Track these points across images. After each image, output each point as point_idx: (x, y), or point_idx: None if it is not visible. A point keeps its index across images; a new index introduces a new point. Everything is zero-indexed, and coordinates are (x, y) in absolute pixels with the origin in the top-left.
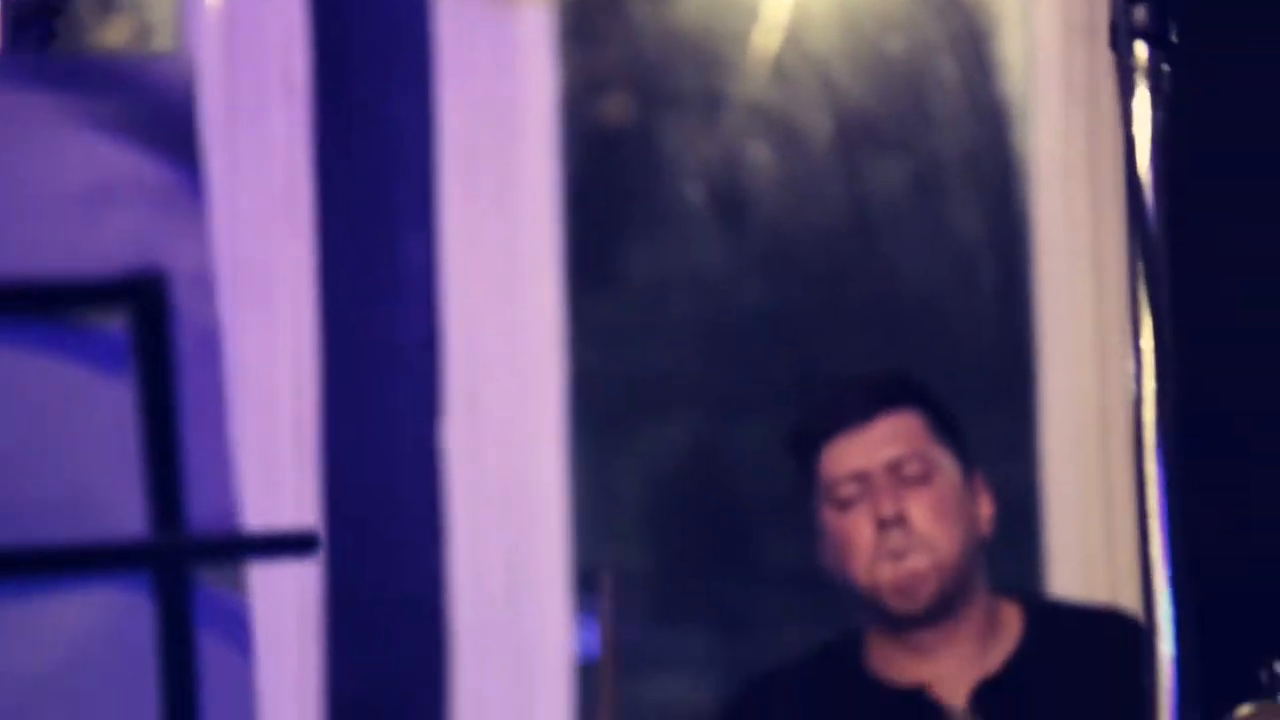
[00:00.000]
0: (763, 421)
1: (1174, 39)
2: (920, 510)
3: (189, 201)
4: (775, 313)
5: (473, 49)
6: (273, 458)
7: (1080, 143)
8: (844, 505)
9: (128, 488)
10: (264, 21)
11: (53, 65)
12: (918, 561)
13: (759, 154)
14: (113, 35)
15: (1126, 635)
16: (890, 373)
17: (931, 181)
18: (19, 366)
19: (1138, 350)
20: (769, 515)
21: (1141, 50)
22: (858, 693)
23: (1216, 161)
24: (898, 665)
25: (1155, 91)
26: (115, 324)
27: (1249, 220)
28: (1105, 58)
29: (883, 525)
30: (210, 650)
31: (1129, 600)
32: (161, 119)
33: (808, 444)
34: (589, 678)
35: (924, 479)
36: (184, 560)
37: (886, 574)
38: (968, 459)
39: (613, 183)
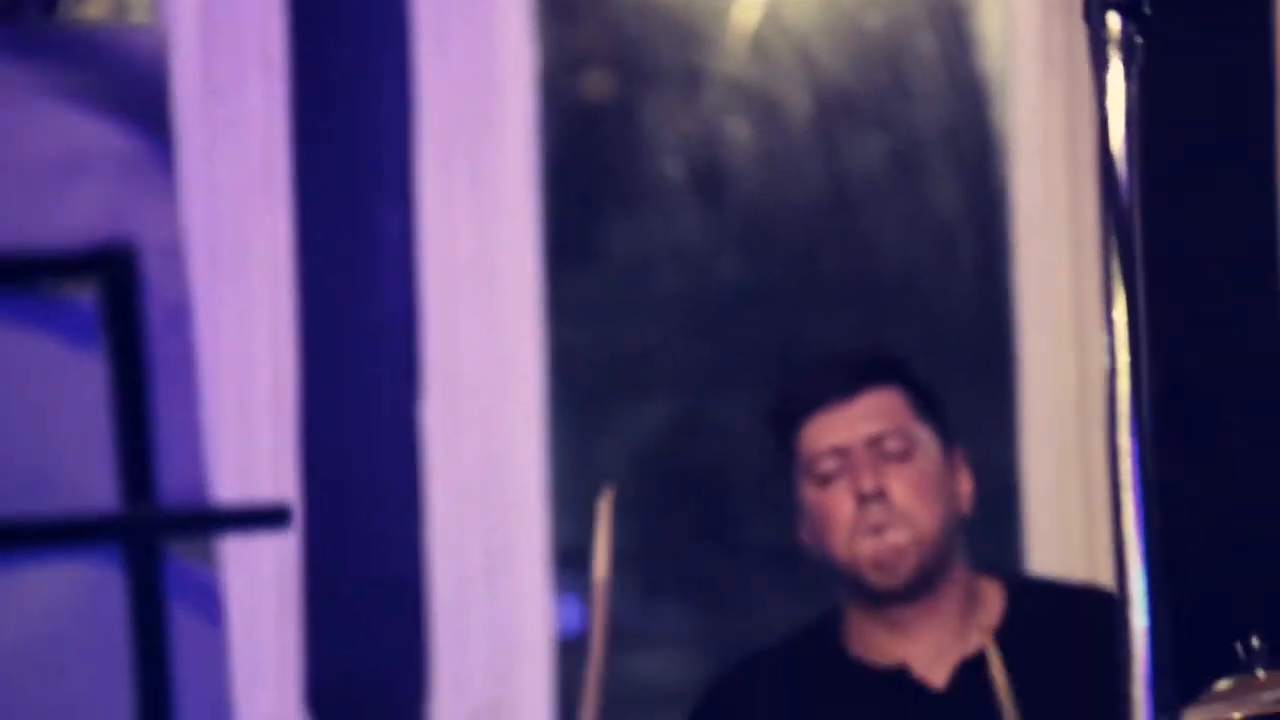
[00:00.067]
0: (743, 398)
1: (1147, 11)
2: (900, 486)
3: (159, 173)
4: (754, 289)
5: (451, 24)
6: (250, 433)
7: (1059, 117)
8: (824, 481)
9: (98, 461)
10: None
11: (23, 36)
12: (897, 536)
13: (738, 130)
14: (92, 9)
15: (1107, 612)
16: (872, 349)
17: (910, 157)
18: None
19: (1110, 323)
20: (750, 492)
21: (1114, 22)
22: (838, 674)
23: (1190, 132)
24: (877, 644)
25: (1129, 63)
26: (85, 296)
27: (1222, 191)
28: (1083, 32)
29: (863, 500)
30: (181, 622)
31: (1108, 577)
32: (132, 91)
33: (788, 420)
34: (569, 656)
35: (904, 455)
36: (155, 533)
37: (866, 549)
38: (948, 437)
39: (592, 159)
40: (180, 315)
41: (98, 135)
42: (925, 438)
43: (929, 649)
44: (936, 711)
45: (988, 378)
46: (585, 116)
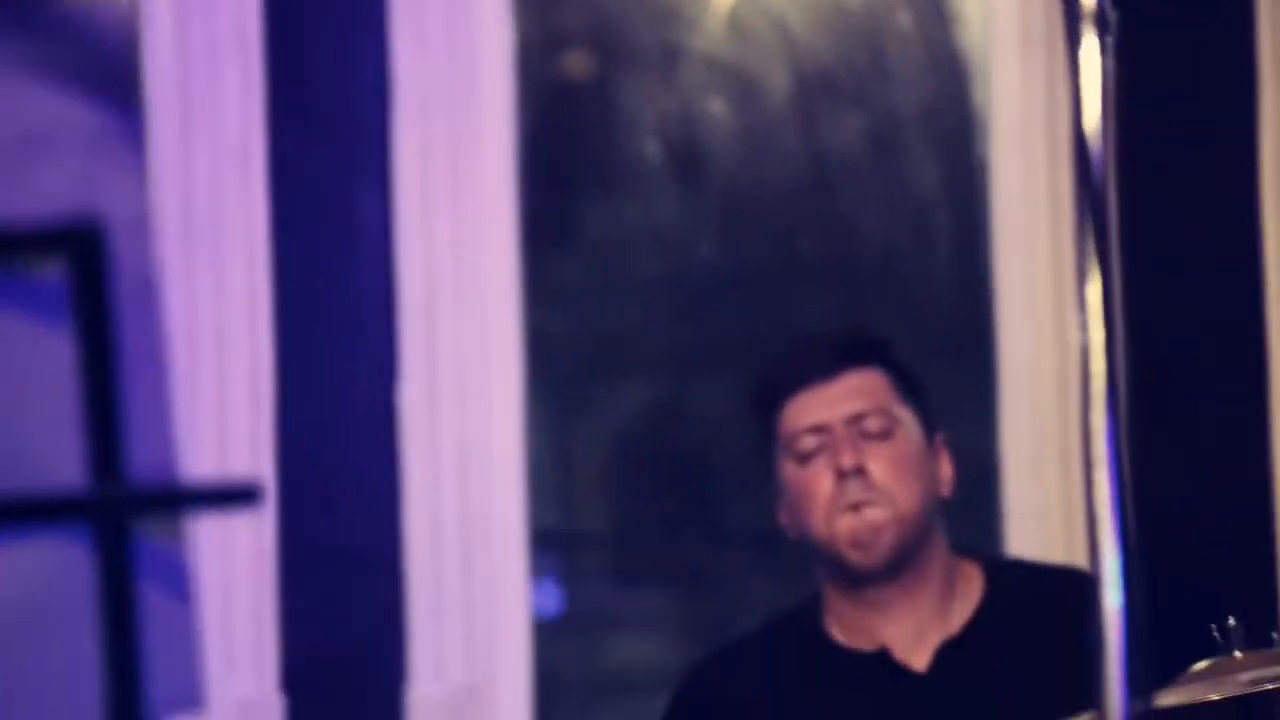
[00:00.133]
0: (723, 380)
1: None
2: (880, 464)
3: (128, 149)
4: (734, 270)
5: (429, 3)
6: (227, 415)
7: (1038, 96)
8: (804, 459)
9: (66, 439)
10: None
11: None
12: (876, 514)
13: (717, 109)
14: None
15: (1086, 593)
16: (856, 330)
17: (890, 136)
18: None
19: (1084, 300)
20: (731, 475)
21: None
22: (819, 659)
23: (1169, 108)
24: (857, 627)
25: (1103, 38)
26: (53, 273)
27: (1202, 169)
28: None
29: (842, 476)
30: (151, 602)
31: (1085, 558)
32: (101, 65)
33: (770, 400)
34: (547, 638)
35: (885, 434)
36: (124, 512)
37: (844, 526)
38: (930, 422)
39: (570, 139)
40: (149, 292)
41: (66, 110)
42: (906, 418)
43: (909, 631)
44: (918, 694)
45: (968, 358)
46: (563, 96)
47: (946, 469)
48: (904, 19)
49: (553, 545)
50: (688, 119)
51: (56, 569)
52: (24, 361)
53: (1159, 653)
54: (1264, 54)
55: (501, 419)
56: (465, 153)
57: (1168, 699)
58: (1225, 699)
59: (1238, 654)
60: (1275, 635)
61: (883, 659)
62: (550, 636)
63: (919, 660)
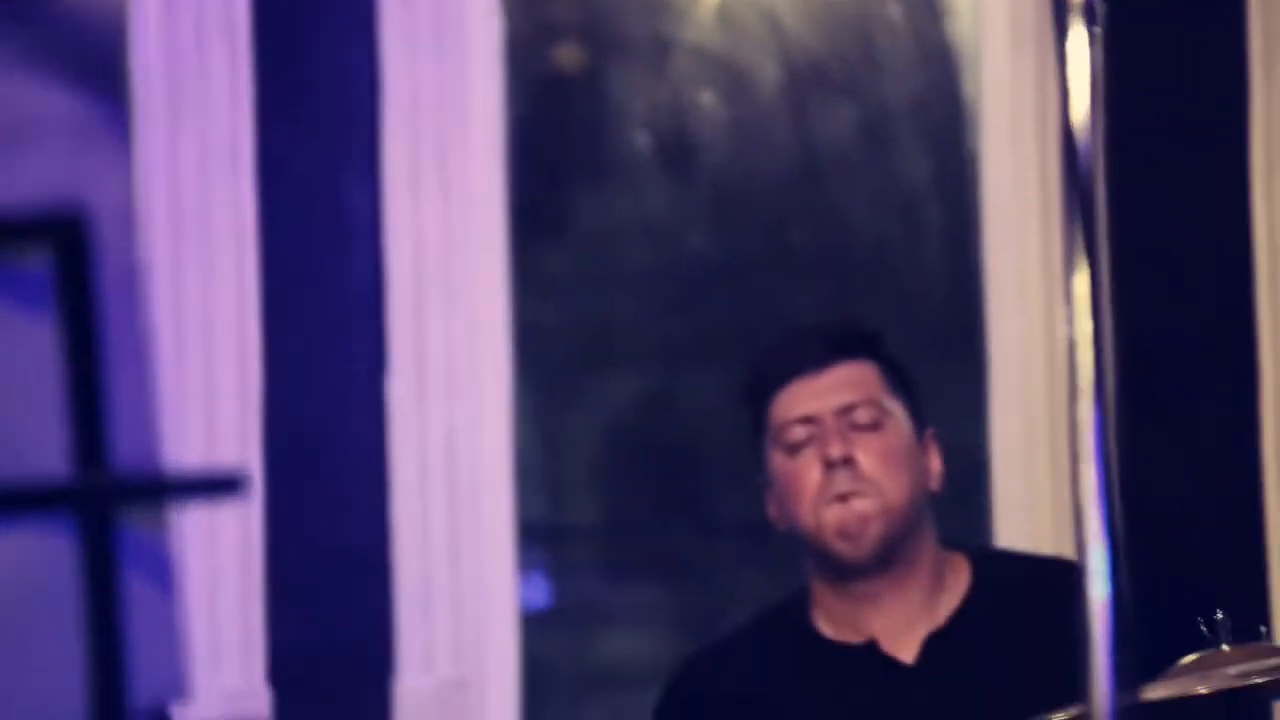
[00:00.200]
0: (713, 372)
1: None
2: (869, 455)
3: (113, 138)
4: (724, 262)
5: None
6: (215, 405)
7: (1029, 88)
8: (793, 449)
9: (50, 428)
10: None
11: None
12: (863, 505)
13: (707, 101)
14: None
15: (1073, 583)
16: (847, 322)
17: (880, 128)
18: None
19: (1071, 293)
20: (721, 467)
21: None
22: (807, 653)
23: (1160, 100)
24: (845, 620)
25: (1092, 29)
26: (37, 262)
27: (1193, 161)
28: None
29: (830, 467)
30: (135, 591)
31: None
32: (86, 54)
33: (760, 392)
34: (535, 631)
35: (875, 426)
36: (108, 501)
37: (831, 516)
38: (921, 415)
39: (560, 130)
40: (133, 281)
41: (50, 99)
42: (897, 411)
43: (897, 624)
44: (907, 686)
45: (957, 351)
46: (553, 88)
47: (936, 463)
48: (894, 11)
49: (542, 537)
50: (678, 111)
51: (40, 558)
52: (8, 350)
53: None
54: (1254, 45)
55: (491, 411)
56: (455, 144)
57: (1155, 693)
58: (1213, 693)
59: (1225, 647)
60: (1263, 629)
61: (871, 651)
62: (539, 629)
63: (907, 653)
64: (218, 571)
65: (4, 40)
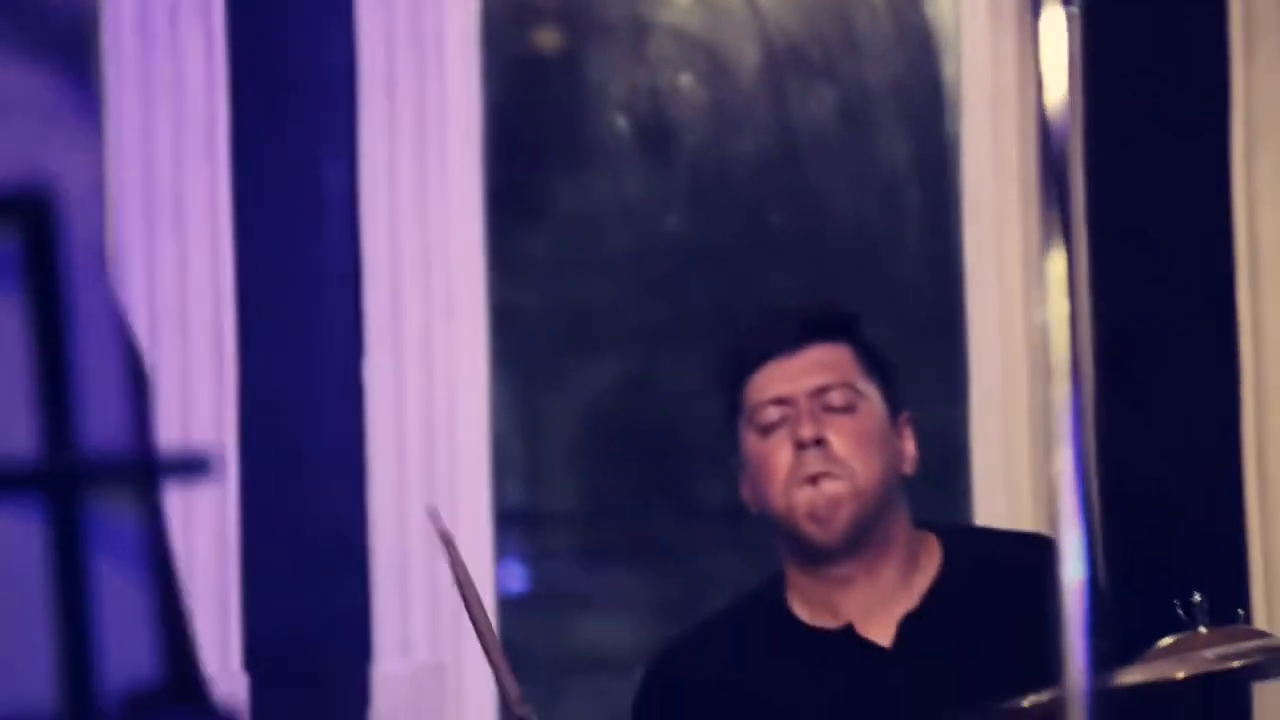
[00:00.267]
0: (693, 355)
1: None
2: (841, 437)
3: (82, 117)
4: (703, 245)
5: None
6: (189, 387)
7: (1009, 70)
8: (766, 430)
9: (17, 409)
10: None
11: None
12: (834, 487)
13: (686, 83)
14: None
15: (1045, 558)
16: (825, 305)
17: (859, 110)
18: None
19: (1046, 274)
20: (701, 451)
21: None
22: (785, 638)
23: (1141, 82)
24: (820, 604)
25: (1068, 8)
26: (3, 241)
27: (1174, 144)
28: None
29: (801, 447)
30: (104, 575)
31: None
32: (55, 33)
33: (735, 374)
34: (512, 617)
35: (848, 409)
36: (76, 483)
37: (802, 498)
38: (896, 399)
39: (538, 112)
40: (101, 262)
41: (18, 77)
42: (871, 394)
43: (871, 607)
44: (884, 669)
45: (938, 333)
46: (531, 69)
47: (910, 446)
48: None
49: (520, 522)
50: (656, 93)
51: (8, 541)
52: None
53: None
54: (1234, 25)
55: (468, 395)
56: (431, 124)
57: (1132, 676)
58: (1190, 676)
59: (1203, 630)
60: (1240, 612)
61: (848, 635)
62: (517, 614)
63: (883, 635)
64: (193, 556)
65: None
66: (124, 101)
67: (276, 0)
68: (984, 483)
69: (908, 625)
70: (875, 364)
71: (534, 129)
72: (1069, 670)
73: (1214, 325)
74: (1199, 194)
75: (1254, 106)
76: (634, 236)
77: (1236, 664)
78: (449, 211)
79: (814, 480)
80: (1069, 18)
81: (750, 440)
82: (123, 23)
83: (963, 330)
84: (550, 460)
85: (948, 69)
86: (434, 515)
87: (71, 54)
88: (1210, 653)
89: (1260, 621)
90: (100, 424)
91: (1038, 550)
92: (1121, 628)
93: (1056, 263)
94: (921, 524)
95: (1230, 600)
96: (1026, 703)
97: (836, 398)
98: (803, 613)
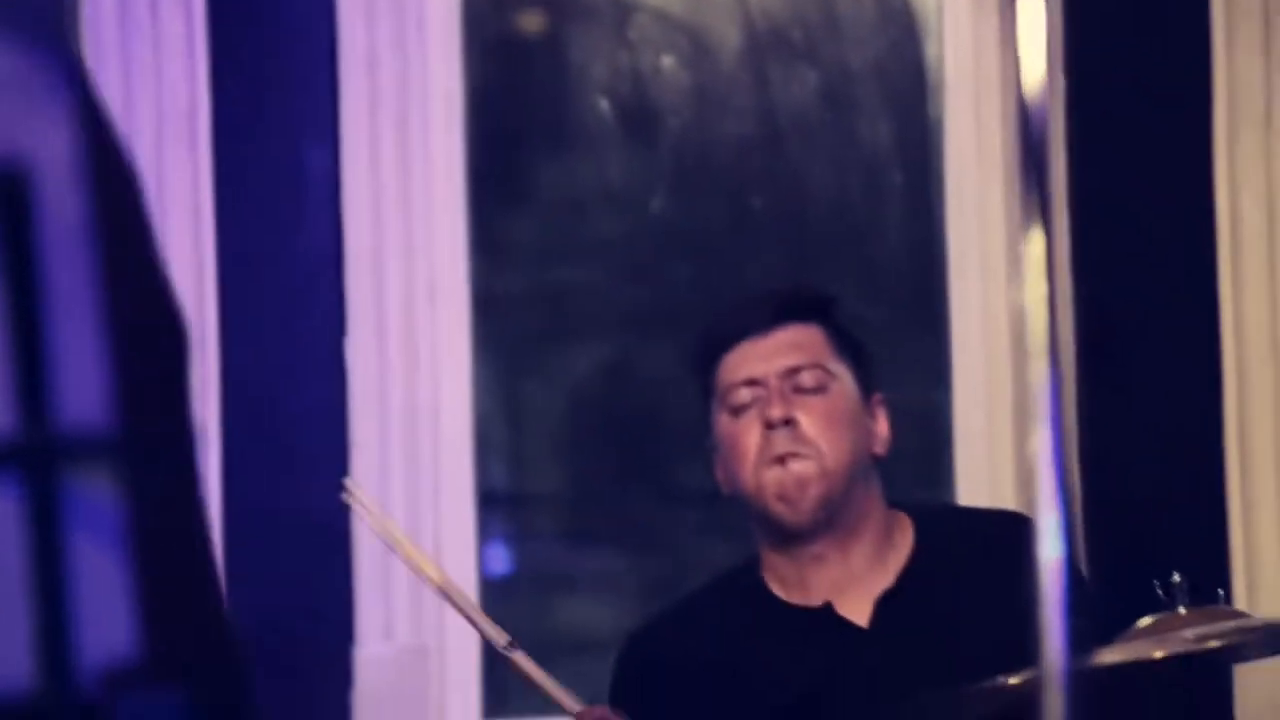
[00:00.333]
0: (675, 339)
1: None
2: (810, 417)
3: (56, 94)
4: (686, 228)
5: None
6: None
7: (991, 53)
8: (737, 411)
9: None
10: None
11: None
12: (802, 467)
13: (668, 65)
14: None
15: (1020, 534)
16: (798, 286)
17: (841, 93)
18: None
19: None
20: (682, 434)
21: None
22: (763, 617)
23: (1123, 64)
24: (795, 582)
25: None
26: None
27: (1156, 126)
28: None
29: (770, 427)
30: (81, 553)
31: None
32: (30, 8)
33: (708, 355)
34: (495, 599)
35: (819, 389)
36: (52, 461)
37: (771, 478)
38: (869, 381)
39: (520, 95)
40: (78, 240)
41: None
42: (843, 374)
43: (846, 585)
44: (862, 647)
45: (920, 315)
46: (513, 51)
47: (883, 427)
48: None
49: (503, 505)
50: (639, 75)
51: None
52: None
53: (1105, 609)
54: (1216, 5)
55: (451, 378)
56: (413, 108)
57: (1111, 656)
58: (1168, 656)
59: (1182, 610)
60: (1220, 592)
61: (826, 614)
62: (500, 596)
63: (860, 615)
64: None
65: None
66: (104, 84)
67: None
68: (967, 465)
69: (884, 604)
70: (847, 345)
71: (516, 112)
72: (1046, 649)
73: (1196, 307)
74: (1181, 176)
75: (1236, 88)
76: (617, 220)
77: (1215, 644)
78: (431, 195)
79: (782, 460)
80: (1049, 0)
81: (722, 421)
82: (103, 5)
83: (945, 313)
84: (533, 443)
85: (930, 52)
86: (350, 489)
87: (48, 29)
88: (1189, 633)
89: (1240, 602)
90: (77, 400)
91: (1012, 527)
92: (1102, 607)
93: (1035, 245)
94: (894, 503)
95: (1210, 581)
96: (1005, 682)
97: (807, 378)
98: (780, 591)
